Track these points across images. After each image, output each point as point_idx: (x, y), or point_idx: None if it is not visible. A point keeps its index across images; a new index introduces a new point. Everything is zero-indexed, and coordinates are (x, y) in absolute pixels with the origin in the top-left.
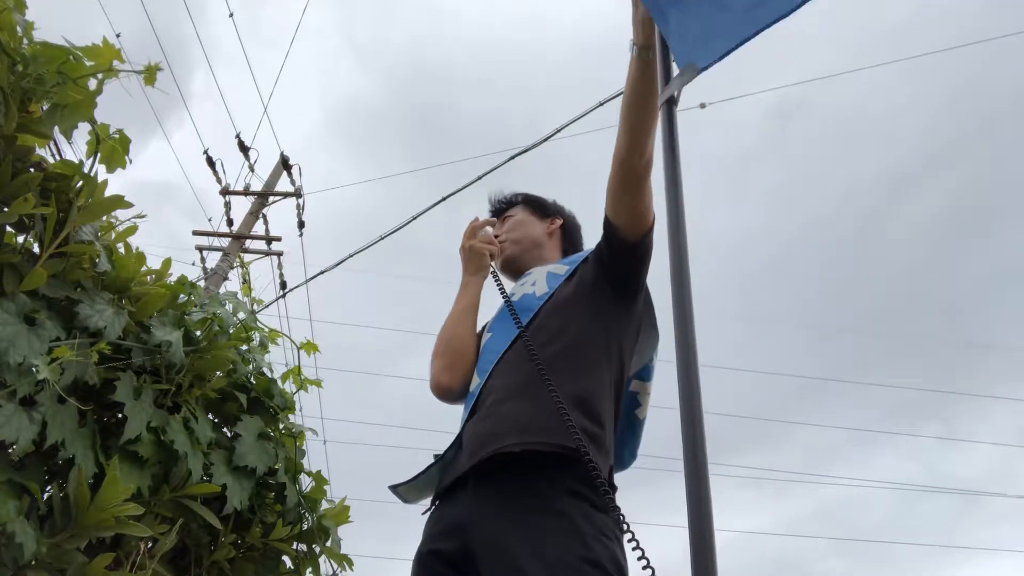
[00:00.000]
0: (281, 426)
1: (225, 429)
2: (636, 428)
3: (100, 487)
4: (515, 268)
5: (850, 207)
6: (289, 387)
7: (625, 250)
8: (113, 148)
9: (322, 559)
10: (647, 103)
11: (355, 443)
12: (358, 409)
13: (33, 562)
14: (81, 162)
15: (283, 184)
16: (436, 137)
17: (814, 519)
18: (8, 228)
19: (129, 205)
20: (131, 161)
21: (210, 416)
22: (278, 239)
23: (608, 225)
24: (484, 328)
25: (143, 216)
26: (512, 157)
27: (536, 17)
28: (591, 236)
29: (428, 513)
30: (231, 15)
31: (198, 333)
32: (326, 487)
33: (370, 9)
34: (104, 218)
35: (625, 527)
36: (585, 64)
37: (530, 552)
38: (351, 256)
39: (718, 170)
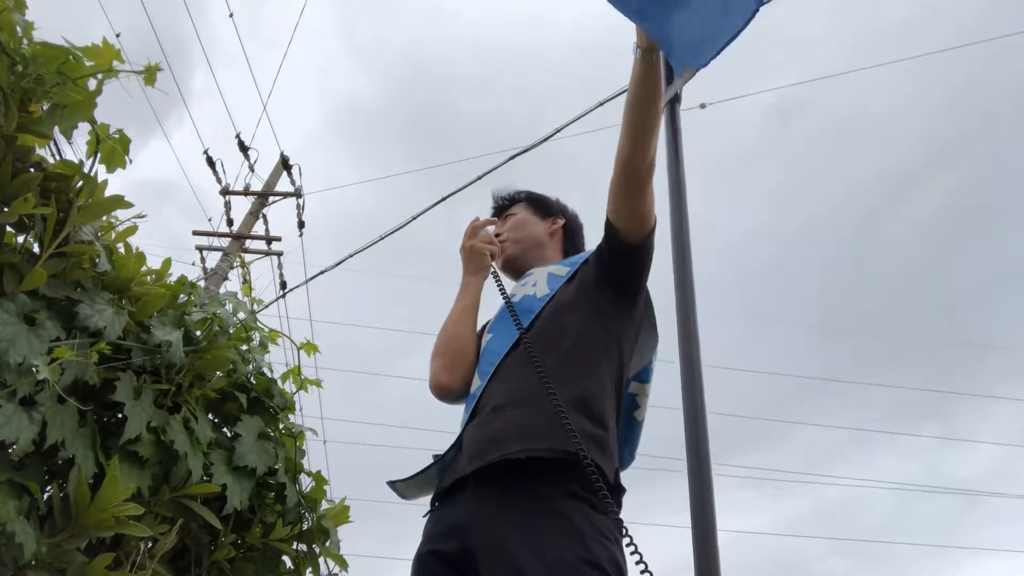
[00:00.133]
0: (281, 426)
1: (225, 429)
2: (635, 429)
3: (100, 487)
4: (516, 268)
5: (850, 207)
6: (289, 387)
7: (626, 252)
8: (113, 148)
9: (322, 559)
10: (650, 106)
11: (355, 443)
12: (358, 409)
13: (33, 562)
14: (81, 162)
15: (283, 184)
16: (436, 137)
17: (814, 519)
18: (8, 228)
19: (129, 205)
20: (131, 161)
21: (210, 416)
22: (278, 239)
23: (609, 227)
24: (484, 328)
25: (143, 216)
26: (512, 157)
27: (536, 17)
28: (591, 236)
29: (428, 514)
30: (231, 15)
31: (198, 333)
32: (326, 487)
33: (370, 9)
34: (104, 218)
35: (624, 531)
36: (585, 64)
37: (530, 553)
38: (351, 256)
39: (718, 170)
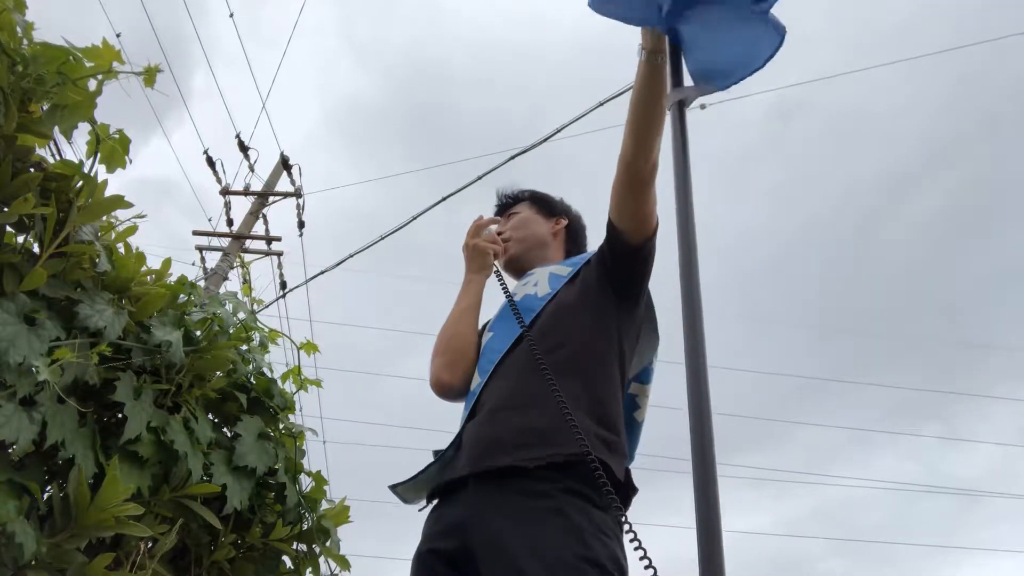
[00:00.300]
0: (281, 426)
1: (225, 429)
2: (635, 430)
3: (100, 487)
4: (518, 267)
5: (850, 207)
6: (289, 387)
7: (628, 253)
8: (113, 148)
9: (322, 559)
10: (654, 107)
11: (355, 443)
12: (358, 409)
13: (33, 562)
14: (81, 162)
15: (283, 184)
16: (436, 137)
17: (814, 519)
18: (8, 228)
19: (129, 205)
20: (131, 161)
21: (210, 416)
22: (278, 239)
23: (611, 228)
24: (485, 327)
25: (143, 216)
26: (512, 157)
27: (536, 17)
28: (591, 237)
29: (427, 512)
30: (231, 15)
31: (198, 333)
32: (326, 487)
33: (369, 9)
34: (104, 218)
35: (627, 527)
36: (585, 64)
37: (529, 552)
38: (351, 256)
39: (718, 170)
